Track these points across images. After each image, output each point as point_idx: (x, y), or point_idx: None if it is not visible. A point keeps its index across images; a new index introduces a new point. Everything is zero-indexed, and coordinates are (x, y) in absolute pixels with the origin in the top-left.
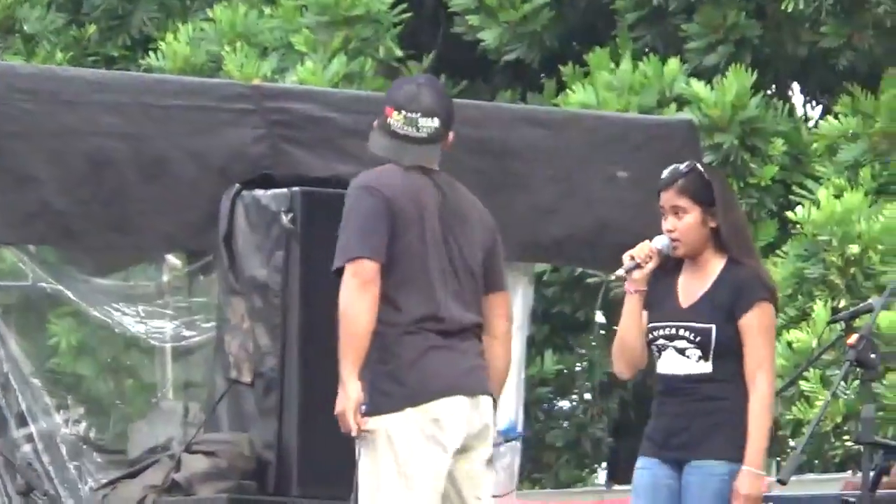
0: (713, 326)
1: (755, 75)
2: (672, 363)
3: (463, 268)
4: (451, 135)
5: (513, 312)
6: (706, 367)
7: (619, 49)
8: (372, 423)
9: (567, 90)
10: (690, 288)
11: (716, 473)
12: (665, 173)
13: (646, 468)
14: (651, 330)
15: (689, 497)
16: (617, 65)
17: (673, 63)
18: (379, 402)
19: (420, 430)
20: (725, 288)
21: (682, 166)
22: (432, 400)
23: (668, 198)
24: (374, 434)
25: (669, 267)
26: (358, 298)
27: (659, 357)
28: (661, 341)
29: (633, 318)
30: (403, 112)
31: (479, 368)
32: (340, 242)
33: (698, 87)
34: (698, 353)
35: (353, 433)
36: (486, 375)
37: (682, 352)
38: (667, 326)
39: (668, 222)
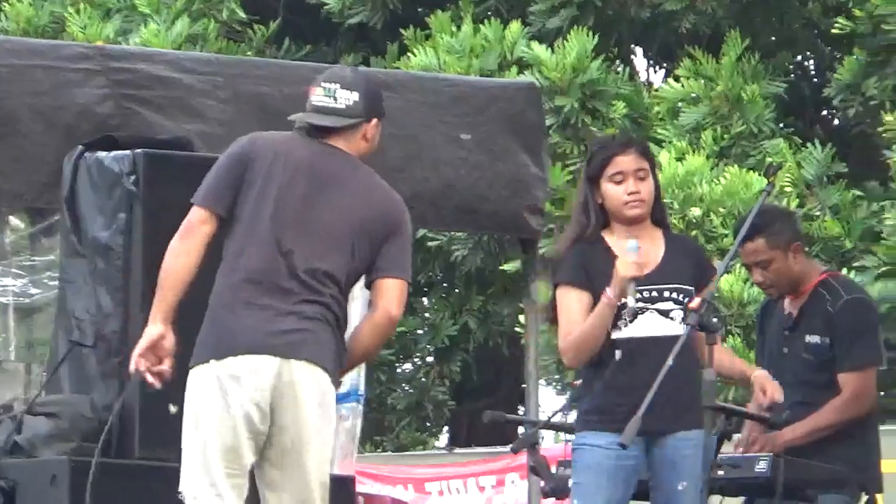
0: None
1: (597, 38)
2: (651, 326)
3: (320, 233)
4: (374, 125)
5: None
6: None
7: (461, 12)
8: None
9: (409, 53)
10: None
11: (700, 443)
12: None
13: (601, 447)
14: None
15: (683, 467)
16: (459, 28)
17: (514, 26)
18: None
19: (217, 382)
20: (681, 254)
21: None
22: (235, 355)
23: (631, 161)
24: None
25: (594, 238)
26: (175, 241)
27: (627, 323)
28: (639, 304)
29: (606, 323)
30: (323, 85)
31: (294, 332)
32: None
33: (539, 49)
34: (682, 314)
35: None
36: (303, 340)
37: (665, 314)
38: (647, 289)
39: (629, 185)
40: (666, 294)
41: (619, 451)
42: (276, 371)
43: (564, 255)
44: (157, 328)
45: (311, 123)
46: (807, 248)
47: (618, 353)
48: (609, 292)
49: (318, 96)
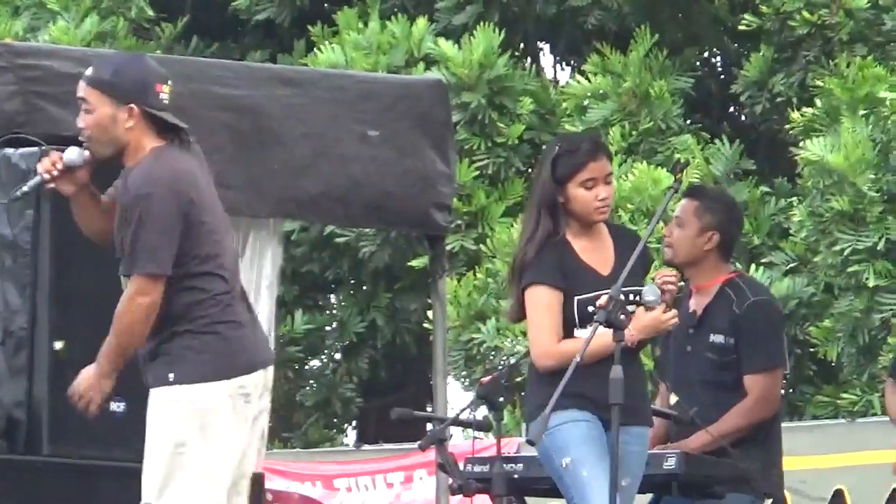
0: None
1: (503, 34)
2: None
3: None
4: None
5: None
6: None
7: (367, 9)
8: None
9: (316, 50)
10: (596, 255)
11: (646, 442)
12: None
13: (587, 420)
14: (591, 301)
15: (631, 462)
16: (366, 25)
17: (421, 23)
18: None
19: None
20: (628, 250)
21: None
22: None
23: (602, 167)
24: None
25: (554, 242)
26: (143, 312)
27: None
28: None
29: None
30: (168, 84)
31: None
32: (145, 245)
33: (446, 46)
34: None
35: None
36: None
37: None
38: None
39: (600, 190)
40: (633, 297)
41: (600, 426)
42: (265, 382)
43: (537, 256)
44: (110, 384)
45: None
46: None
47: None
48: (630, 334)
49: (165, 94)
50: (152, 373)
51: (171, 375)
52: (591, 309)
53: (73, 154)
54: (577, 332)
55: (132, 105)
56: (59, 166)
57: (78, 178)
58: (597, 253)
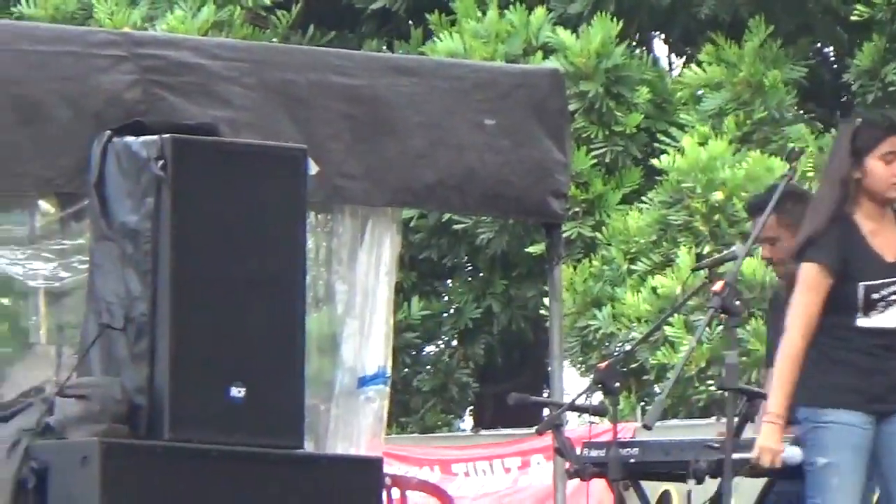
0: None
1: (620, 24)
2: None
3: None
4: None
5: (383, 261)
6: None
7: None
8: None
9: (434, 38)
10: (882, 240)
11: None
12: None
13: (858, 427)
14: (877, 288)
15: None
16: (484, 13)
17: (539, 11)
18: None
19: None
20: None
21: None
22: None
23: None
24: None
25: (840, 220)
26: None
27: (881, 312)
28: (892, 297)
29: None
30: None
31: None
32: None
33: (564, 35)
34: None
35: None
36: None
37: None
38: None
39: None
40: None
41: (870, 431)
42: None
43: (823, 231)
44: None
45: None
46: None
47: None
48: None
49: None
50: None
51: None
52: (874, 297)
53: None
54: (859, 320)
55: None
56: None
57: None
58: (883, 238)
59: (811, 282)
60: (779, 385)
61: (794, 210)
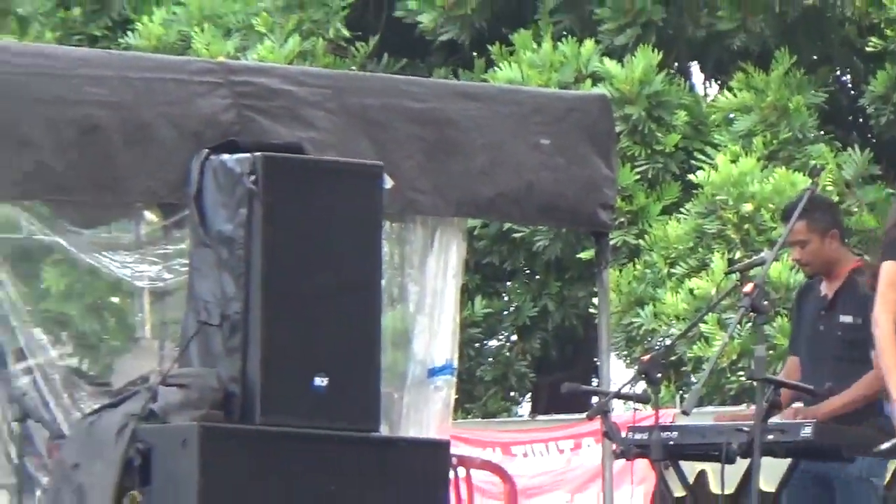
0: None
1: (660, 55)
2: None
3: None
4: None
5: (450, 265)
6: None
7: (540, 31)
8: None
9: (495, 67)
10: None
11: None
12: None
13: None
14: None
15: None
16: (539, 45)
17: (588, 44)
18: None
19: None
20: None
21: None
22: None
23: None
24: None
25: None
26: None
27: None
28: None
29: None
30: None
31: None
32: None
33: (610, 65)
34: None
35: None
36: None
37: None
38: None
39: None
40: None
41: None
42: None
43: None
44: None
45: None
46: (847, 240)
47: None
48: None
49: None
50: None
51: None
52: None
53: None
54: None
55: None
56: None
57: None
58: None
59: (894, 278)
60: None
61: (822, 217)
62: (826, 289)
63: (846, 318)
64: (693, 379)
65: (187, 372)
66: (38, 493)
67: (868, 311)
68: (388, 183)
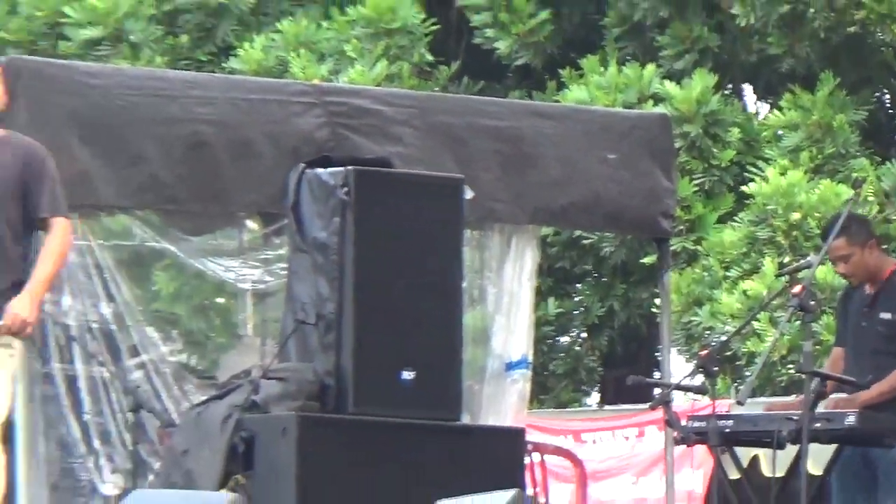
0: None
1: (715, 77)
2: None
3: None
4: None
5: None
6: None
7: (607, 56)
8: None
9: (565, 89)
10: None
11: None
12: None
13: None
14: None
15: None
16: (605, 69)
17: (650, 68)
18: None
19: None
20: None
21: None
22: None
23: None
24: None
25: None
26: None
27: None
28: None
29: None
30: None
31: None
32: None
33: (670, 86)
34: None
35: None
36: None
37: None
38: None
39: None
40: None
41: None
42: None
43: None
44: None
45: None
46: (885, 246)
47: None
48: None
49: None
50: None
51: None
52: None
53: None
54: None
55: None
56: None
57: None
58: None
59: None
60: None
61: (859, 231)
62: (869, 288)
63: (885, 315)
64: (747, 372)
65: (286, 366)
66: (151, 476)
67: None
68: (469, 194)
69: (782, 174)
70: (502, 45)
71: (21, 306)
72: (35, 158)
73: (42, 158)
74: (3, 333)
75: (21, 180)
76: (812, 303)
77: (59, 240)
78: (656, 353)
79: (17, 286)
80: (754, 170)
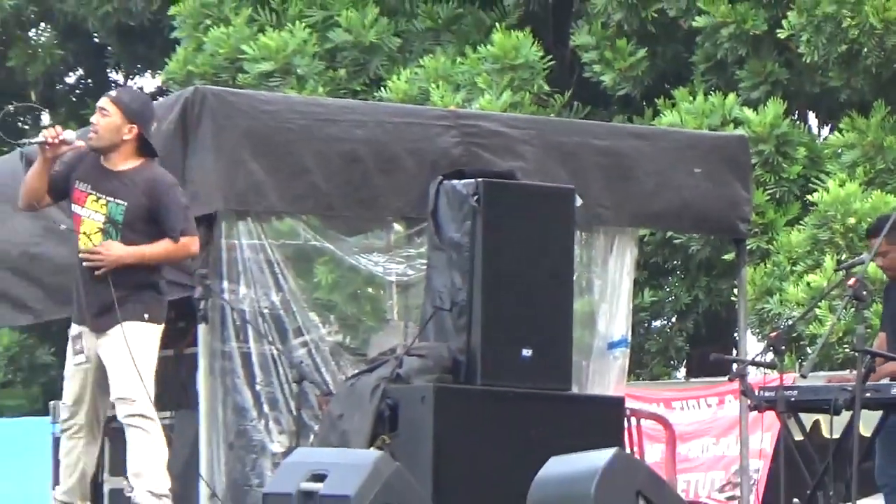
0: None
1: (785, 105)
2: None
3: None
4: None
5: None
6: None
7: (695, 87)
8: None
9: (660, 115)
10: None
11: None
12: None
13: None
14: None
15: None
16: (693, 98)
17: (730, 97)
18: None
19: None
20: None
21: None
22: None
23: None
24: None
25: None
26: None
27: None
28: None
29: None
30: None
31: None
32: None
33: (748, 112)
34: None
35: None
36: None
37: None
38: None
39: None
40: None
41: None
42: None
43: None
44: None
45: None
46: None
47: None
48: None
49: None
50: None
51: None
52: None
53: (70, 135)
54: None
55: (135, 125)
56: (59, 139)
57: (59, 152)
58: None
59: None
60: None
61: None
62: None
63: None
64: (809, 350)
65: (425, 345)
66: (311, 437)
67: None
68: (579, 201)
69: (841, 186)
70: (607, 78)
71: (119, 248)
72: (160, 188)
73: (166, 189)
74: (92, 256)
75: (148, 207)
76: (864, 293)
77: (175, 246)
78: (734, 335)
79: (143, 286)
80: (817, 182)
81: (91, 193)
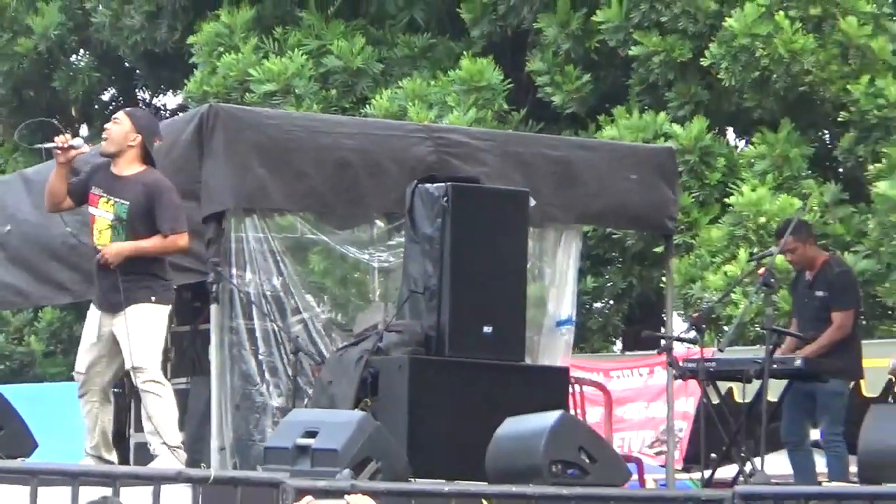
0: None
1: (707, 122)
2: None
3: None
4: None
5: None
6: None
7: (631, 107)
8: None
9: (601, 129)
10: None
11: None
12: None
13: None
14: None
15: None
16: (630, 115)
17: (661, 115)
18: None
19: None
20: None
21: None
22: None
23: None
24: None
25: None
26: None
27: None
28: None
29: None
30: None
31: None
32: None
33: (676, 128)
34: None
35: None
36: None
37: None
38: None
39: None
40: None
41: None
42: None
43: None
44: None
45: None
46: (822, 241)
47: None
48: None
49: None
50: None
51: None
52: None
53: (77, 141)
54: None
55: (139, 136)
56: (67, 144)
57: (69, 156)
58: None
59: None
60: None
61: (800, 231)
62: (809, 275)
63: (819, 293)
64: (726, 329)
65: (402, 323)
66: (306, 400)
67: (833, 288)
68: (532, 202)
69: (753, 190)
70: (557, 99)
71: (116, 245)
72: (157, 190)
73: (162, 191)
74: (100, 256)
75: (147, 206)
76: (772, 280)
77: (165, 241)
78: (663, 315)
79: (148, 274)
80: (734, 187)
81: (102, 196)
